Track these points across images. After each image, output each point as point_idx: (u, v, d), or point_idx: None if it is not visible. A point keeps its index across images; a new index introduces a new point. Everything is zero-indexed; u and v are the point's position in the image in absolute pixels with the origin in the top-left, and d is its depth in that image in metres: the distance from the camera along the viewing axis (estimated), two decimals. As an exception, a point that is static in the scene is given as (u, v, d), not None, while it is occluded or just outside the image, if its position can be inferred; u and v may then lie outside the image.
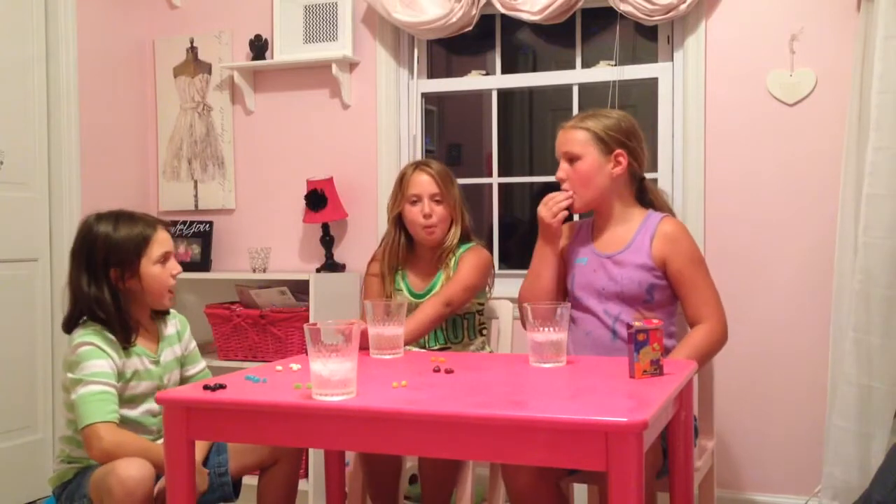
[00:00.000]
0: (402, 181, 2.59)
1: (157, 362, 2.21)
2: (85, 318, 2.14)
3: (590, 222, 2.45)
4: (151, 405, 2.16)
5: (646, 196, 2.41)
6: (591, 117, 2.33)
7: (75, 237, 2.20)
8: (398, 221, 2.60)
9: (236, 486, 2.22)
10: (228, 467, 2.15)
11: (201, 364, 2.37)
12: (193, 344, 2.36)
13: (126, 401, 2.12)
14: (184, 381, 2.30)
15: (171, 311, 2.33)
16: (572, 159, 2.32)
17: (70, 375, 2.05)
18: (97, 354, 2.06)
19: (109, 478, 1.89)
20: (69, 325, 2.16)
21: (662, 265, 2.27)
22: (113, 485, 1.88)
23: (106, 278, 2.13)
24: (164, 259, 2.18)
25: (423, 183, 2.55)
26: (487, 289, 2.63)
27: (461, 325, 2.59)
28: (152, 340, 2.24)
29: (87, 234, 2.17)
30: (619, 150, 2.30)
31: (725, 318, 2.27)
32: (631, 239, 2.31)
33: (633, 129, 2.34)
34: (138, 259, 2.14)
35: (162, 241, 2.18)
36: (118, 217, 2.18)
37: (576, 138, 2.32)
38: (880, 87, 2.65)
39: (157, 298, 2.20)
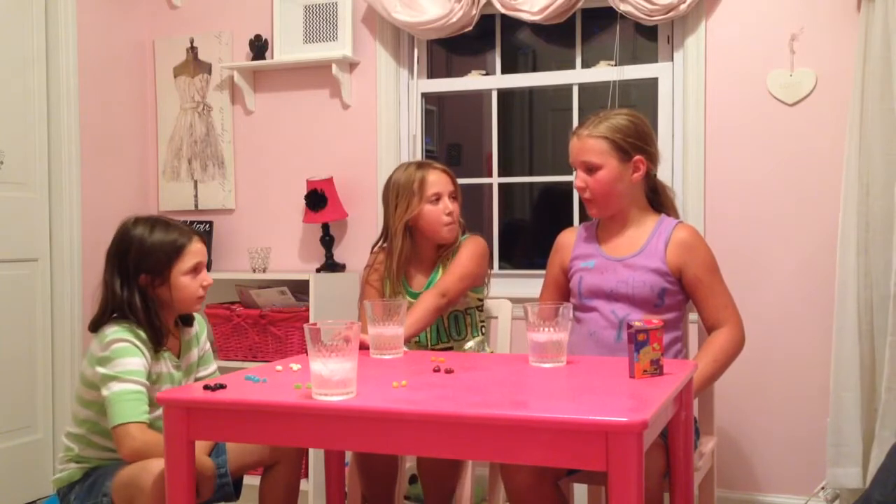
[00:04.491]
0: (413, 183, 2.52)
1: (179, 367, 2.22)
2: (116, 315, 2.13)
3: (594, 224, 2.45)
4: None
5: (657, 196, 2.40)
6: (605, 122, 2.29)
7: (112, 239, 2.19)
8: (405, 229, 2.54)
9: (237, 485, 2.22)
10: (228, 468, 2.15)
11: (212, 367, 2.35)
12: (208, 345, 2.36)
13: (152, 404, 2.10)
14: (198, 380, 2.28)
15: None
16: (591, 169, 2.29)
17: (101, 370, 2.03)
18: (132, 352, 2.05)
19: (142, 475, 1.89)
20: (97, 325, 2.14)
21: (677, 271, 2.28)
22: (145, 483, 1.88)
23: (137, 283, 2.13)
24: (195, 270, 2.17)
25: (442, 182, 2.54)
26: (486, 280, 2.61)
27: (463, 322, 2.59)
28: (175, 345, 2.24)
29: (122, 236, 2.16)
30: (638, 157, 2.29)
31: (741, 320, 2.29)
32: (644, 243, 2.31)
33: (647, 130, 2.33)
34: (169, 268, 2.13)
35: (195, 252, 2.17)
36: (155, 223, 2.17)
37: (593, 148, 2.28)
38: None
39: (186, 307, 2.20)
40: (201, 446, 2.07)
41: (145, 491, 1.88)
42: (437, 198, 2.52)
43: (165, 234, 2.15)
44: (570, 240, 2.46)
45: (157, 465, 1.89)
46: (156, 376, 2.13)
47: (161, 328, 2.15)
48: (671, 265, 2.27)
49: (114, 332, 2.08)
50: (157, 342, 2.13)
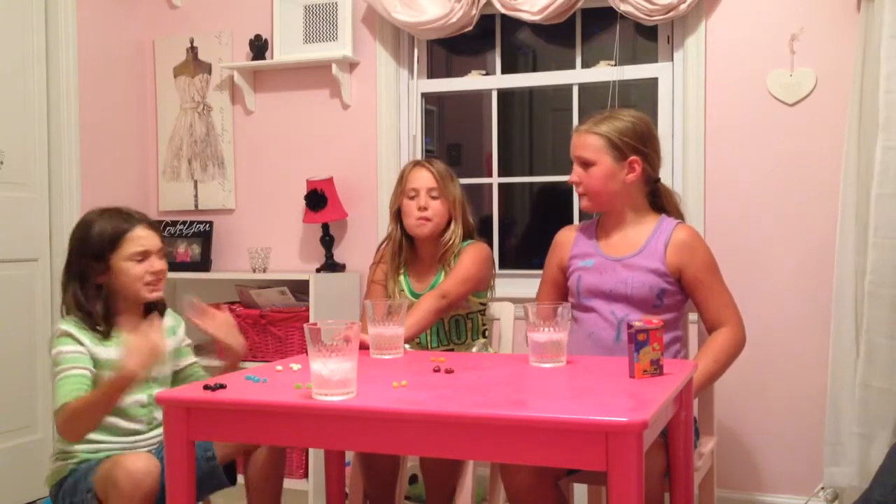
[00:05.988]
0: (401, 177, 2.64)
1: None
2: (68, 307, 2.18)
3: (593, 223, 2.45)
4: (140, 396, 2.17)
5: (658, 199, 2.40)
6: (607, 121, 2.31)
7: None
8: (398, 218, 2.63)
9: (230, 471, 2.22)
10: (215, 452, 2.15)
11: (189, 358, 2.38)
12: (188, 340, 2.39)
13: None
14: (176, 373, 2.33)
15: (169, 310, 2.35)
16: (586, 164, 2.31)
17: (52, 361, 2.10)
18: (65, 342, 2.10)
19: (116, 470, 1.91)
20: (61, 314, 2.21)
21: (676, 272, 2.27)
22: (119, 477, 1.90)
23: (80, 270, 2.17)
24: (140, 257, 2.17)
25: (422, 178, 2.59)
26: (489, 287, 2.62)
27: (464, 326, 2.59)
28: None
29: (76, 226, 2.23)
30: (633, 157, 2.29)
31: (742, 320, 2.29)
32: (644, 243, 2.30)
33: (648, 133, 2.33)
34: (108, 254, 2.16)
35: (137, 239, 2.17)
36: (103, 212, 2.21)
37: (590, 144, 2.30)
38: (888, 87, 2.63)
39: (133, 292, 2.19)
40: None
41: (118, 486, 1.90)
42: (415, 193, 2.58)
43: (108, 221, 2.18)
44: (568, 238, 2.46)
45: (130, 460, 1.93)
46: (112, 363, 2.11)
47: (106, 316, 2.16)
48: (670, 266, 2.27)
49: (60, 322, 2.15)
50: (100, 327, 2.15)
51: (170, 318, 2.34)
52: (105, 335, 2.16)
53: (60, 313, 2.22)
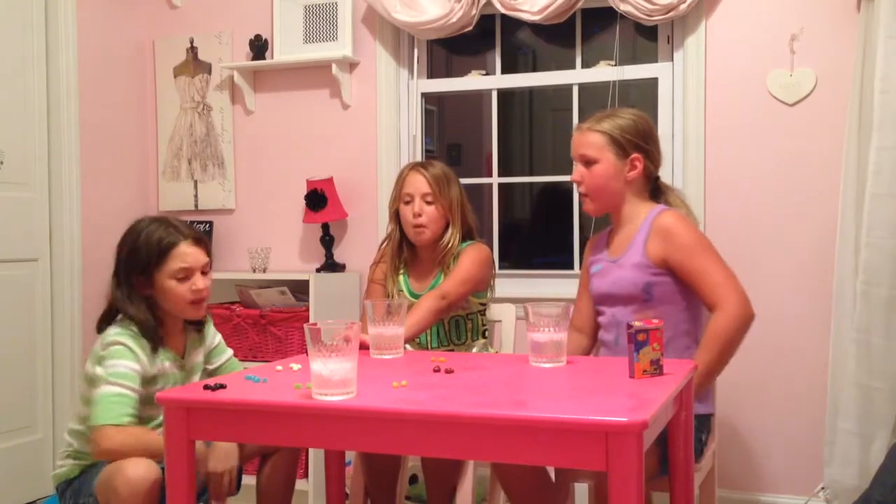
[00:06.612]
0: (399, 180, 2.63)
1: (182, 367, 2.21)
2: (120, 316, 2.13)
3: (609, 230, 2.44)
4: None
5: (660, 196, 2.39)
6: (608, 119, 2.30)
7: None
8: (397, 218, 2.63)
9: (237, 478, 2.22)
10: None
11: (227, 354, 2.35)
12: (218, 338, 2.35)
13: (153, 404, 2.11)
14: (210, 374, 2.30)
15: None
16: (588, 162, 2.29)
17: (95, 370, 2.05)
18: (125, 355, 2.05)
19: (116, 477, 1.90)
20: (102, 325, 2.15)
21: (661, 261, 2.21)
22: (119, 484, 1.88)
23: (127, 282, 2.13)
24: (183, 275, 2.11)
25: (417, 183, 2.57)
26: (489, 287, 2.62)
27: (464, 327, 2.59)
28: (180, 343, 2.23)
29: (125, 235, 2.17)
30: (635, 154, 2.28)
31: (742, 293, 2.15)
32: (633, 239, 2.29)
33: (649, 130, 2.32)
34: (153, 268, 2.11)
35: (182, 256, 2.11)
36: (152, 223, 2.15)
37: (591, 141, 2.29)
38: (883, 87, 2.65)
39: (177, 312, 2.16)
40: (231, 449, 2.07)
41: (118, 492, 1.89)
42: (410, 199, 2.57)
43: (155, 234, 2.11)
44: (591, 244, 2.49)
45: (131, 467, 1.90)
46: (153, 377, 2.13)
47: (157, 328, 2.13)
48: (653, 256, 2.21)
49: (114, 333, 2.09)
50: (152, 342, 2.12)
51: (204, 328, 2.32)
52: (154, 348, 2.12)
53: (99, 325, 2.16)
